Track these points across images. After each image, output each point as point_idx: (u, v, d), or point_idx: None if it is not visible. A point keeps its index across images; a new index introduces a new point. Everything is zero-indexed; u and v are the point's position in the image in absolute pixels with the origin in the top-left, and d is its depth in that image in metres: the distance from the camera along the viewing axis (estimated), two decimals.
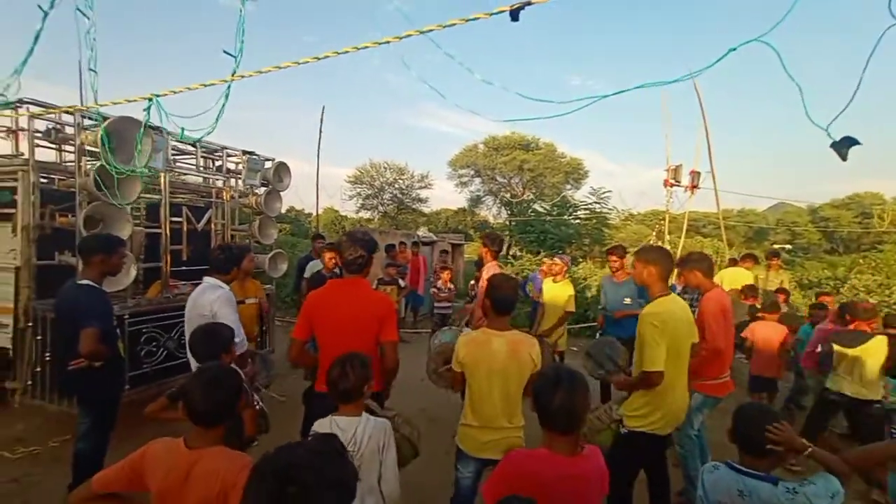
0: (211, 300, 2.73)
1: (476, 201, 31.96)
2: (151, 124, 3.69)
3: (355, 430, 1.77)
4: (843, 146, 1.84)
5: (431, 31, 2.04)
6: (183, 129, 2.63)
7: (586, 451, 1.51)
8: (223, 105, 2.32)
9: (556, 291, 4.76)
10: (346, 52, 2.12)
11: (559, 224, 17.15)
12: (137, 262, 3.98)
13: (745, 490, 1.49)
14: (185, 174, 4.83)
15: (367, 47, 2.06)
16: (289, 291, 9.29)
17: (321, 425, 1.82)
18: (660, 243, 10.30)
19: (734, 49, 1.82)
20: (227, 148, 4.88)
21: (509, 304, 2.28)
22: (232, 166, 5.11)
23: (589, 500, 1.48)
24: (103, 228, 3.56)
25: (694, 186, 7.31)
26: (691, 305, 4.03)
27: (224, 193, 5.02)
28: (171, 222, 4.28)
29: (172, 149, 4.43)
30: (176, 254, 4.43)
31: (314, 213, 13.11)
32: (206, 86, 2.42)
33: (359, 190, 30.11)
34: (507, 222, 21.52)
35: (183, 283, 4.48)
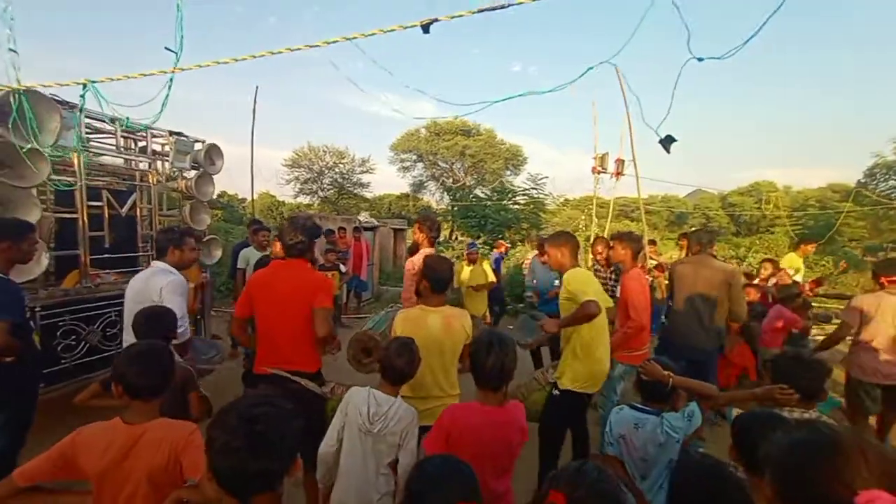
0: (161, 285, 2.62)
1: (419, 186, 31.98)
2: (56, 98, 3.39)
3: (389, 407, 1.85)
4: (667, 143, 2.33)
5: (356, 38, 2.16)
6: (128, 118, 2.52)
7: (510, 403, 1.77)
8: (167, 96, 2.27)
9: (475, 274, 5.19)
10: (280, 52, 2.17)
11: (499, 209, 17.70)
12: (49, 251, 3.68)
13: (640, 423, 1.88)
14: (104, 154, 4.47)
15: (298, 49, 2.13)
16: (224, 280, 8.91)
17: (358, 392, 1.89)
18: (591, 227, 11.04)
19: (591, 68, 2.22)
20: (151, 128, 4.57)
21: (445, 283, 2.46)
22: (158, 148, 4.81)
23: (510, 442, 1.73)
24: (4, 213, 3.26)
25: (619, 173, 7.88)
26: (605, 284, 4.46)
27: (150, 176, 4.72)
28: (90, 207, 3.98)
29: (88, 128, 4.09)
30: (97, 241, 4.13)
31: (249, 199, 12.50)
32: (145, 75, 2.38)
33: (297, 174, 28.98)
34: (450, 207, 21.81)
35: (106, 271, 4.21)
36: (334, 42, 2.49)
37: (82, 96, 2.46)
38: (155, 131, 4.56)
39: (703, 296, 3.39)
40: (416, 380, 2.36)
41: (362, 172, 29.45)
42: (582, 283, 2.73)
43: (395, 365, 1.91)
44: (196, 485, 1.47)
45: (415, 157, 31.28)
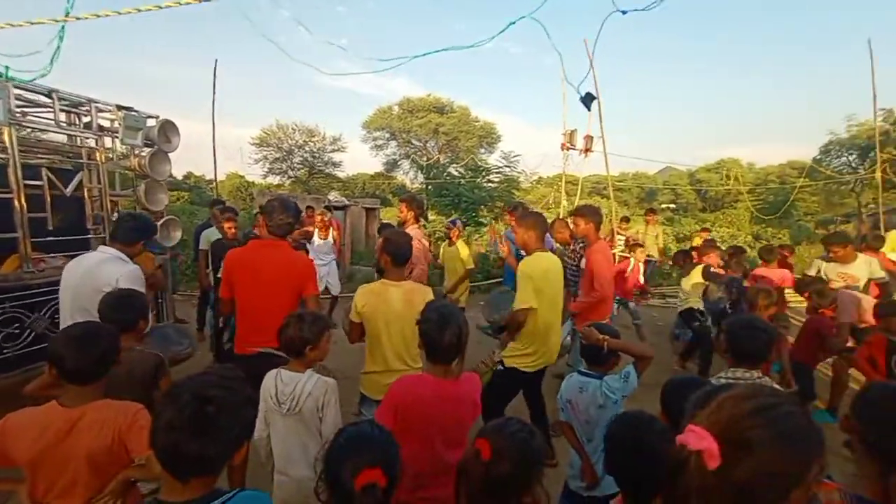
0: (116, 275, 2.34)
1: (392, 165, 31.49)
2: None
3: (295, 385, 1.82)
4: (587, 101, 2.51)
5: None
6: (7, 67, 2.28)
7: (464, 376, 1.75)
8: (58, 46, 2.06)
9: (452, 253, 5.07)
10: (191, 2, 1.98)
11: (473, 188, 17.65)
12: None
13: (584, 386, 1.97)
14: (43, 130, 4.16)
15: None
16: (190, 263, 8.61)
17: (269, 376, 1.88)
18: (561, 204, 11.16)
19: (513, 23, 2.19)
20: (95, 101, 4.26)
21: (405, 257, 2.44)
22: (106, 123, 4.50)
23: (462, 416, 1.73)
24: None
25: (587, 150, 7.94)
26: (576, 256, 4.52)
27: (97, 154, 4.44)
28: (28, 186, 3.70)
29: (21, 100, 3.77)
30: (38, 223, 3.87)
31: (215, 179, 12.02)
32: (32, 24, 2.11)
33: (265, 153, 28.02)
34: (424, 186, 21.61)
35: (51, 255, 3.97)
36: None
37: None
38: (100, 105, 4.26)
39: None
40: (379, 354, 2.37)
41: (333, 151, 28.73)
42: (527, 276, 2.74)
43: (286, 336, 1.86)
44: (144, 463, 1.42)
45: (388, 136, 30.69)
